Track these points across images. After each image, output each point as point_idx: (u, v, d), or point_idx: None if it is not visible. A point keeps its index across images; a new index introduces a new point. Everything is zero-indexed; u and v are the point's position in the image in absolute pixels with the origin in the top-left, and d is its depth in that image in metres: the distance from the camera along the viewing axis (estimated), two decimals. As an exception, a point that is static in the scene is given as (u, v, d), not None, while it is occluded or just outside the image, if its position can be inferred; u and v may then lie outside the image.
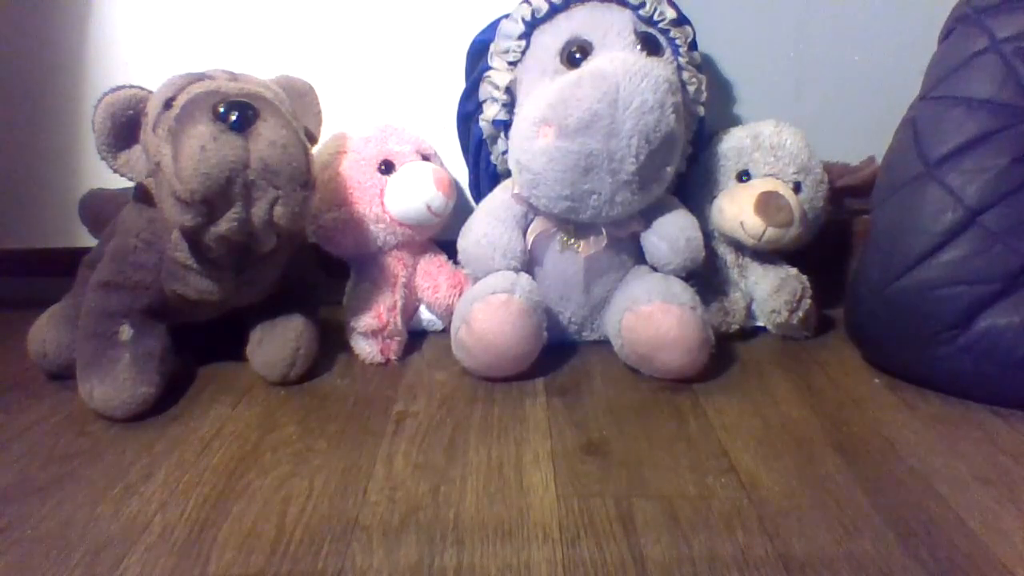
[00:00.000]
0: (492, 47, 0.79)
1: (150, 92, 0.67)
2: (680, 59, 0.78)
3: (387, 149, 0.83)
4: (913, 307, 0.69)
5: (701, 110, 0.82)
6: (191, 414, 0.70)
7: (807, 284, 0.84)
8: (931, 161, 0.69)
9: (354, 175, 0.81)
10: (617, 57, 0.70)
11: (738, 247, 0.86)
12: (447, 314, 0.84)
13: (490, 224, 0.78)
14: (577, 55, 0.75)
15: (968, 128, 0.68)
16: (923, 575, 0.48)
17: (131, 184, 0.71)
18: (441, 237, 0.88)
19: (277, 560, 0.50)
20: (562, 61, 0.75)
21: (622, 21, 0.75)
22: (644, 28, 0.76)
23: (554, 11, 0.77)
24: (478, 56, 0.82)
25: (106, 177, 0.76)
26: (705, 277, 0.85)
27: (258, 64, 0.76)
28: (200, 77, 0.65)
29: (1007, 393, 0.68)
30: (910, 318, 0.69)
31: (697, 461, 0.61)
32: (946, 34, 0.75)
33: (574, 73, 0.71)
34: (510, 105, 0.79)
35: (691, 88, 0.79)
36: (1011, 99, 0.67)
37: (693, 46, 0.80)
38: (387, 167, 0.83)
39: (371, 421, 0.68)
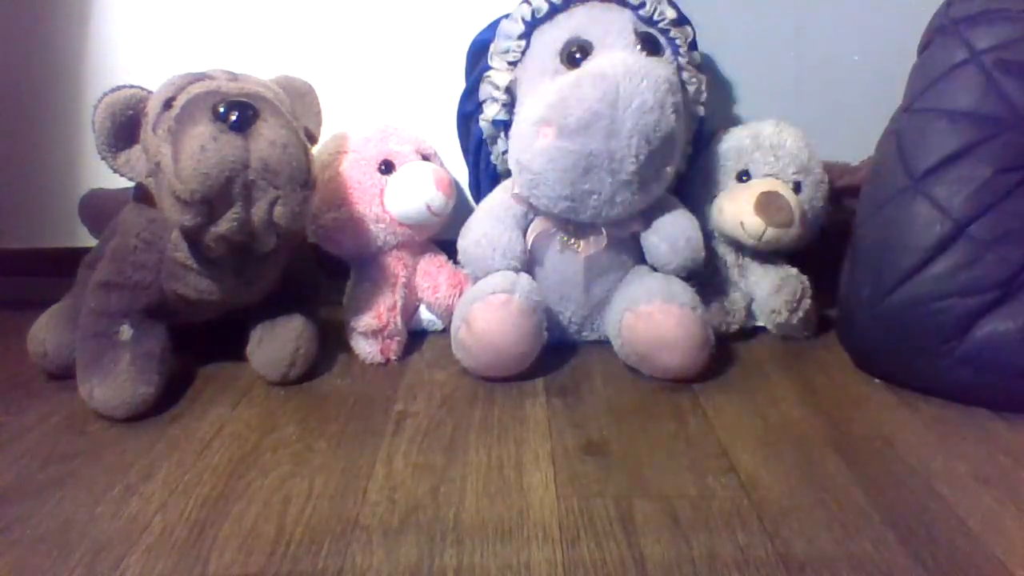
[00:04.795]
0: (492, 47, 0.79)
1: (150, 92, 0.67)
2: (680, 59, 0.78)
3: (387, 149, 0.83)
4: (907, 322, 0.69)
5: (701, 110, 0.82)
6: (191, 414, 0.70)
7: (807, 284, 0.84)
8: (916, 175, 0.69)
9: (354, 175, 0.81)
10: (617, 57, 0.70)
11: (738, 247, 0.86)
12: (447, 314, 0.84)
13: (490, 224, 0.78)
14: (577, 55, 0.75)
15: (951, 140, 0.68)
16: (923, 575, 0.48)
17: (131, 184, 0.71)
18: (441, 237, 0.87)
19: (277, 560, 0.50)
20: (562, 61, 0.75)
21: (622, 21, 0.75)
22: (644, 28, 0.76)
23: (554, 11, 0.77)
24: (478, 56, 0.82)
25: (106, 177, 0.76)
26: (705, 277, 0.85)
27: (258, 64, 0.75)
28: (200, 77, 0.65)
29: (1011, 401, 0.68)
30: (905, 333, 0.69)
31: (697, 461, 0.61)
32: (925, 44, 0.75)
33: (574, 73, 0.71)
34: (510, 105, 0.79)
35: (691, 88, 0.79)
36: (993, 110, 0.67)
37: (693, 46, 0.80)
38: (387, 167, 0.83)
39: (371, 421, 0.68)
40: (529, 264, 0.80)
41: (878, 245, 0.71)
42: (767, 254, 0.86)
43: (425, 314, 0.88)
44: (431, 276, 0.86)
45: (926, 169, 0.69)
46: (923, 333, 0.68)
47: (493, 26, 0.81)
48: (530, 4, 0.77)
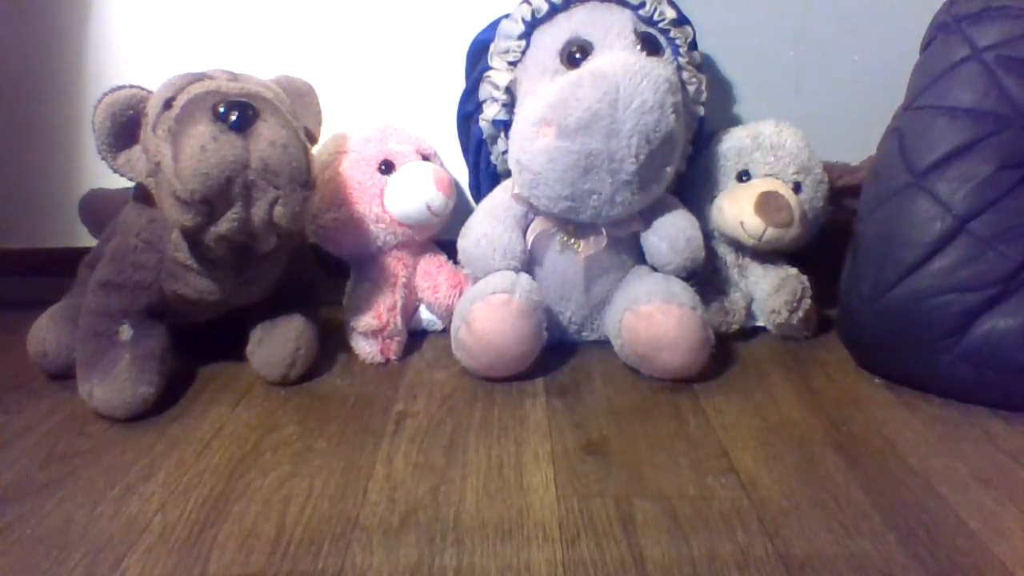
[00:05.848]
0: (492, 47, 0.79)
1: (150, 92, 0.67)
2: (680, 59, 0.78)
3: (387, 149, 0.83)
4: (908, 318, 0.69)
5: (701, 110, 0.82)
6: (191, 414, 0.70)
7: (807, 284, 0.84)
8: (918, 171, 0.69)
9: (354, 175, 0.81)
10: (617, 57, 0.70)
11: (738, 247, 0.86)
12: (447, 314, 0.84)
13: (490, 224, 0.78)
14: (577, 55, 0.75)
15: (953, 137, 0.68)
16: (923, 575, 0.48)
17: (131, 184, 0.71)
18: (441, 237, 0.88)
19: (277, 560, 0.50)
20: (562, 61, 0.75)
21: (622, 21, 0.75)
22: (644, 28, 0.76)
23: (554, 11, 0.77)
24: (478, 56, 0.82)
25: (106, 177, 0.76)
26: (705, 277, 0.85)
27: (258, 64, 0.75)
28: (200, 77, 0.65)
29: (1010, 398, 0.68)
30: (906, 329, 0.69)
31: (697, 461, 0.61)
32: (927, 43, 0.75)
33: (574, 73, 0.71)
34: (510, 105, 0.79)
35: (691, 88, 0.79)
36: (994, 107, 0.67)
37: (693, 46, 0.80)
38: (387, 167, 0.83)
39: (371, 421, 0.68)
40: (529, 264, 0.80)
41: (879, 241, 0.71)
42: (767, 254, 0.86)
43: (425, 314, 0.88)
44: (431, 276, 0.86)
45: (927, 166, 0.69)
46: (923, 329, 0.68)
47: (493, 26, 0.81)
48: (530, 4, 0.77)
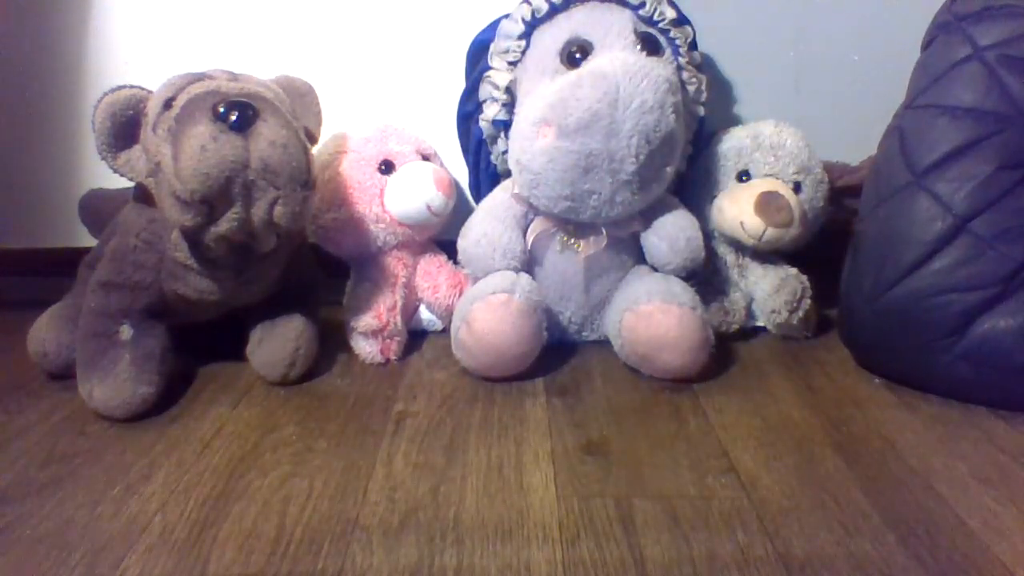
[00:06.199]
0: (492, 47, 0.79)
1: (150, 92, 0.67)
2: (680, 59, 0.78)
3: (387, 149, 0.83)
4: (908, 317, 0.69)
5: (701, 110, 0.82)
6: (191, 414, 0.70)
7: (807, 284, 0.84)
8: (919, 171, 0.69)
9: (354, 175, 0.81)
10: (617, 57, 0.70)
11: (738, 247, 0.86)
12: (447, 314, 0.84)
13: (490, 224, 0.78)
14: (577, 55, 0.75)
15: (954, 136, 0.68)
16: (923, 575, 0.48)
17: (131, 184, 0.71)
18: (441, 237, 0.88)
19: (277, 560, 0.50)
20: (562, 61, 0.75)
21: (622, 21, 0.75)
22: (644, 28, 0.76)
23: (554, 11, 0.77)
24: (478, 56, 0.82)
25: (106, 177, 0.76)
26: (705, 277, 0.85)
27: (258, 64, 0.75)
28: (200, 77, 0.65)
29: (1010, 398, 0.68)
30: (905, 328, 0.69)
31: (697, 461, 0.61)
32: (928, 42, 0.75)
33: (574, 73, 0.71)
34: (510, 105, 0.79)
35: (691, 88, 0.79)
36: (995, 106, 0.67)
37: (693, 46, 0.80)
38: (387, 167, 0.83)
39: (371, 421, 0.68)
40: (529, 264, 0.80)
41: (880, 240, 0.71)
42: (767, 254, 0.86)
43: (425, 314, 0.88)
44: (431, 276, 0.86)
45: (928, 165, 0.69)
46: (923, 328, 0.68)
47: (493, 26, 0.81)
48: (530, 4, 0.77)
